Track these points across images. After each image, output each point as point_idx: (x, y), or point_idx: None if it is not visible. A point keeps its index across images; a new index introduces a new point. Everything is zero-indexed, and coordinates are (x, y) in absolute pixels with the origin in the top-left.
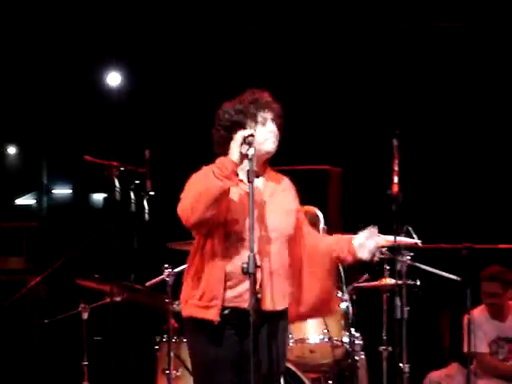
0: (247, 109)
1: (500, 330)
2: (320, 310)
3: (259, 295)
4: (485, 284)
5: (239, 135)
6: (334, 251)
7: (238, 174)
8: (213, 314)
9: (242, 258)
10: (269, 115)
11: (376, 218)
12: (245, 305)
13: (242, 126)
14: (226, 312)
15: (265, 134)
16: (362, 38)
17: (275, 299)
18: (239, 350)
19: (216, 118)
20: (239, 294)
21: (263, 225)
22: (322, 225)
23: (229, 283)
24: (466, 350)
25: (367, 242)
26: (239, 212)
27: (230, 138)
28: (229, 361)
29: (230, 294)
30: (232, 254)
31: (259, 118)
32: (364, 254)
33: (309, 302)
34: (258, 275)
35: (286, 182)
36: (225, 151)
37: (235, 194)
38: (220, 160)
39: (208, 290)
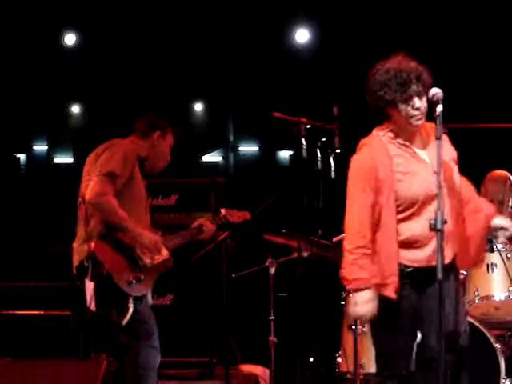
0: (390, 85)
1: None
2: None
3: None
4: None
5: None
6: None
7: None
8: (390, 291)
9: (425, 220)
10: (413, 90)
11: None
12: (429, 263)
13: (390, 103)
14: (408, 270)
15: (408, 112)
16: None
17: (450, 252)
18: (419, 307)
19: (367, 87)
20: (421, 257)
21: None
22: None
23: (410, 247)
24: None
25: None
26: (410, 179)
27: (385, 109)
28: (409, 319)
29: (412, 255)
30: (407, 220)
31: (400, 96)
32: (498, 237)
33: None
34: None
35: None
36: (384, 117)
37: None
38: None
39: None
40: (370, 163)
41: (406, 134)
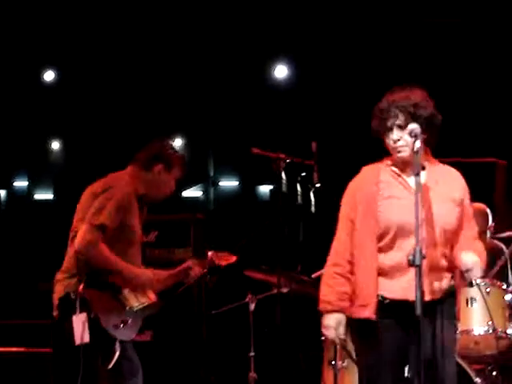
0: (374, 115)
1: None
2: None
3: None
4: None
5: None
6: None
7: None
8: (370, 312)
9: (403, 250)
10: (395, 121)
11: None
12: (405, 296)
13: (378, 133)
14: (386, 302)
15: (388, 143)
16: None
17: (433, 289)
18: (403, 344)
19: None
20: (396, 288)
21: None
22: (489, 222)
23: (387, 277)
24: None
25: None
26: (388, 205)
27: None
28: (393, 355)
29: (389, 286)
30: (386, 249)
31: (381, 127)
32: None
33: None
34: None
35: (453, 173)
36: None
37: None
38: None
39: (363, 290)
40: (353, 188)
41: (400, 162)
